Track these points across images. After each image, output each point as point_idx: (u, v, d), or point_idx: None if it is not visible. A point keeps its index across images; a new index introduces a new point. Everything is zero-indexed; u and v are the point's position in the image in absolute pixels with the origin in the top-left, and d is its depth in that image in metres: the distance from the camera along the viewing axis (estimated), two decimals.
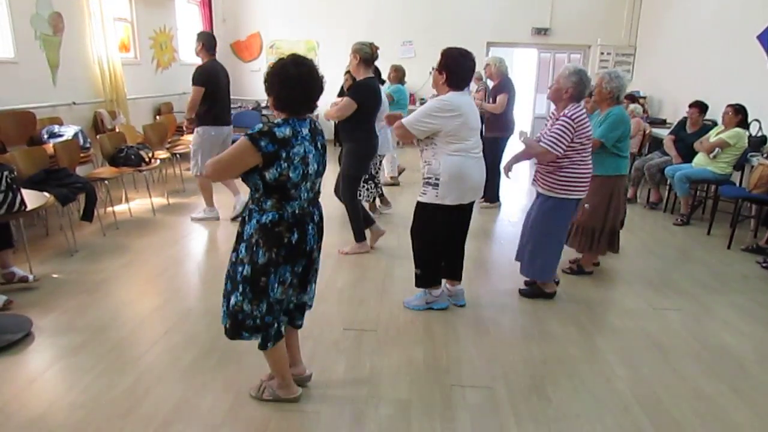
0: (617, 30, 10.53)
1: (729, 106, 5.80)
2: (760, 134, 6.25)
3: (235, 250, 2.45)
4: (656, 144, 7.38)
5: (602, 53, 10.62)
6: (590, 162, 3.72)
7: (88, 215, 4.81)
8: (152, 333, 3.33)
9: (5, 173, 3.13)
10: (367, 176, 5.72)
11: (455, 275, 3.80)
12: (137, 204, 6.16)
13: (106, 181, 5.52)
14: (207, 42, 5.40)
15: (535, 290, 4.01)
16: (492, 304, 3.86)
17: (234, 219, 5.58)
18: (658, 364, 3.15)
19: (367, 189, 5.83)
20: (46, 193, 3.83)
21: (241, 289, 2.41)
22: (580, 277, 4.40)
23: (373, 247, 4.93)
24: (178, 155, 7.25)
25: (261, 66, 11.00)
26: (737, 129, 5.71)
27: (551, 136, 3.55)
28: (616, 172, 4.18)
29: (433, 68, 3.66)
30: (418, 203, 3.56)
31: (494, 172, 6.58)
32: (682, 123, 6.57)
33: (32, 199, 3.53)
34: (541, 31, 10.64)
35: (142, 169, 5.83)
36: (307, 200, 2.43)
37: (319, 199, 2.57)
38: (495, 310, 3.76)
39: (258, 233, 2.35)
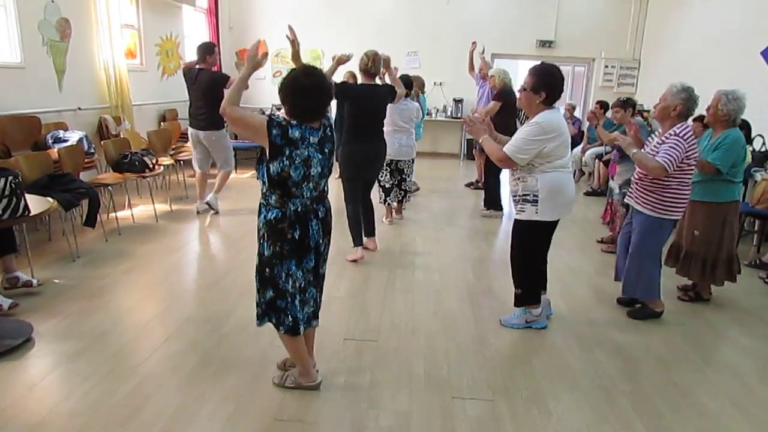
0: (621, 43, 10.57)
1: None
2: (763, 149, 6.25)
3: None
4: None
5: (606, 66, 10.66)
6: (690, 183, 3.65)
7: (90, 221, 4.82)
8: (153, 340, 3.32)
9: (9, 178, 3.13)
10: (394, 182, 5.99)
11: (543, 286, 3.78)
12: (140, 210, 6.16)
13: (109, 187, 5.53)
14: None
15: (646, 311, 3.91)
16: (493, 315, 3.84)
17: (199, 212, 6.20)
18: (660, 379, 3.13)
19: (395, 194, 6.07)
20: (49, 198, 3.83)
21: (258, 276, 2.68)
22: (582, 291, 4.39)
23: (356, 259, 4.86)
24: (181, 162, 7.27)
25: (266, 74, 11.05)
26: None
27: (668, 153, 3.45)
28: (729, 198, 3.98)
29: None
30: (517, 221, 3.51)
31: (495, 179, 6.67)
32: None
33: (36, 204, 3.54)
34: (545, 44, 10.68)
35: (146, 175, 5.85)
36: (310, 198, 2.59)
37: (327, 197, 2.75)
38: (496, 322, 3.75)
39: (264, 228, 2.59)
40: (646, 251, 3.77)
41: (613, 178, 5.62)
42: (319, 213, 2.66)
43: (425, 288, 4.32)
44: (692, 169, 3.61)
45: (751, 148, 5.85)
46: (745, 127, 5.76)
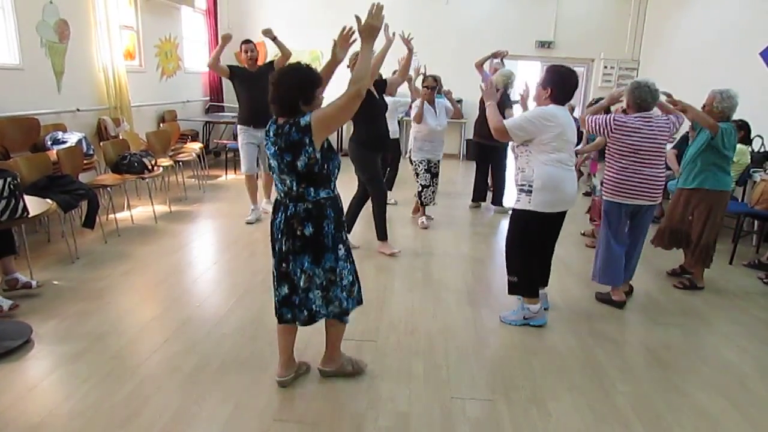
0: (620, 44, 10.58)
1: (732, 121, 5.80)
2: (762, 150, 6.26)
3: None
4: None
5: (605, 67, 10.67)
6: (636, 171, 3.88)
7: (89, 222, 4.82)
8: (152, 341, 3.32)
9: (8, 179, 3.13)
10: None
11: (542, 281, 3.88)
12: (139, 211, 6.16)
13: (108, 188, 5.53)
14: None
15: (605, 296, 4.19)
16: (493, 316, 3.85)
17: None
18: (660, 380, 3.13)
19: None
20: (48, 200, 3.82)
21: None
22: (580, 291, 4.39)
23: None
24: (180, 163, 7.27)
25: None
26: (740, 145, 5.69)
27: (597, 118, 3.94)
28: (717, 187, 4.26)
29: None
30: (513, 210, 3.66)
31: (501, 178, 6.96)
32: (686, 137, 6.57)
33: (35, 205, 3.53)
34: (544, 45, 10.69)
35: (145, 176, 5.85)
36: (282, 192, 2.67)
37: (304, 201, 2.59)
38: (495, 322, 3.75)
39: None
40: (601, 232, 4.14)
41: (594, 175, 5.74)
42: (289, 210, 2.61)
43: (425, 288, 4.32)
44: (625, 156, 3.88)
45: (750, 149, 5.86)
46: (745, 128, 5.78)
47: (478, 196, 7.14)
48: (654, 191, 3.91)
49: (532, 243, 3.66)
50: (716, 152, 4.20)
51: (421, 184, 6.08)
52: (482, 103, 6.65)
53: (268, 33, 5.66)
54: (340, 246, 2.71)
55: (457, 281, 4.50)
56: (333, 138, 4.66)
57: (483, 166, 7.06)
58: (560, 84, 3.45)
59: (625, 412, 2.79)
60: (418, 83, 6.31)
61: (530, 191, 3.47)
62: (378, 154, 5.03)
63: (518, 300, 3.79)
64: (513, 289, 3.75)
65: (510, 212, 3.74)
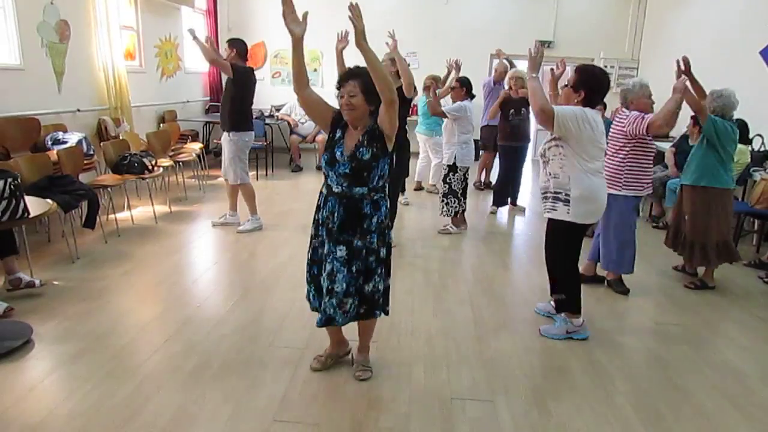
0: (620, 43, 10.58)
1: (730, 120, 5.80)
2: (762, 149, 6.26)
3: (362, 243, 2.71)
4: (659, 157, 7.38)
5: (605, 66, 10.64)
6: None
7: (90, 222, 4.82)
8: (152, 341, 3.32)
9: (9, 180, 3.13)
10: (447, 190, 5.75)
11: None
12: (139, 211, 6.16)
13: (108, 189, 5.52)
14: (240, 48, 5.55)
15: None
16: (493, 316, 3.84)
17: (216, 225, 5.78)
18: (660, 380, 3.13)
19: (447, 204, 5.79)
20: (49, 200, 3.82)
21: (379, 271, 2.79)
22: (591, 291, 4.38)
23: None
24: (180, 163, 7.27)
25: (265, 75, 11.04)
26: (739, 145, 5.70)
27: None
28: (715, 184, 4.27)
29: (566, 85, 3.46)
30: (551, 221, 3.46)
31: (515, 178, 6.95)
32: (685, 136, 6.57)
33: (35, 205, 3.53)
34: (544, 44, 10.61)
35: (145, 176, 5.85)
36: None
37: None
38: (495, 323, 3.75)
39: (386, 218, 2.77)
40: None
41: None
42: None
43: (425, 288, 4.32)
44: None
45: (749, 148, 5.85)
46: (744, 127, 5.77)
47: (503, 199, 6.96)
48: None
49: (576, 255, 3.47)
50: (713, 148, 4.23)
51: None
52: (503, 104, 6.61)
53: (190, 32, 5.44)
54: (312, 241, 2.88)
55: (458, 281, 4.50)
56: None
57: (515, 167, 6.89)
58: (596, 87, 3.28)
59: (626, 412, 2.79)
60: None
61: (567, 200, 3.29)
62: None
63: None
64: (561, 306, 3.57)
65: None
